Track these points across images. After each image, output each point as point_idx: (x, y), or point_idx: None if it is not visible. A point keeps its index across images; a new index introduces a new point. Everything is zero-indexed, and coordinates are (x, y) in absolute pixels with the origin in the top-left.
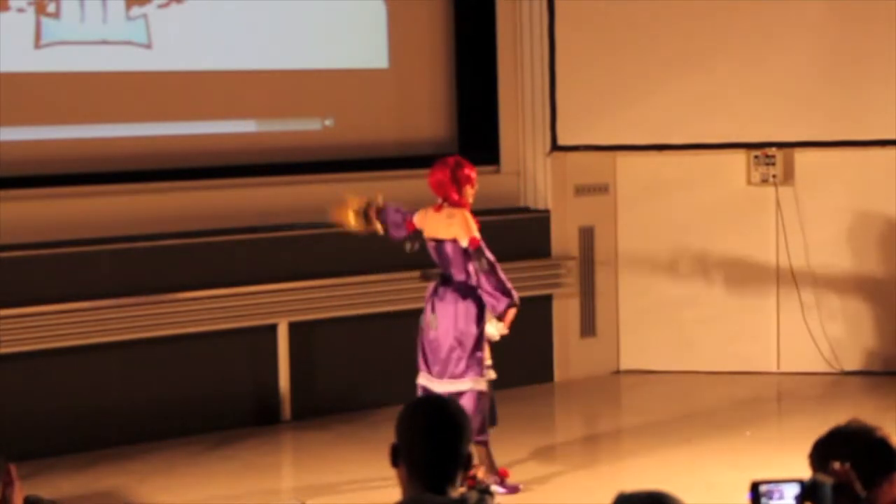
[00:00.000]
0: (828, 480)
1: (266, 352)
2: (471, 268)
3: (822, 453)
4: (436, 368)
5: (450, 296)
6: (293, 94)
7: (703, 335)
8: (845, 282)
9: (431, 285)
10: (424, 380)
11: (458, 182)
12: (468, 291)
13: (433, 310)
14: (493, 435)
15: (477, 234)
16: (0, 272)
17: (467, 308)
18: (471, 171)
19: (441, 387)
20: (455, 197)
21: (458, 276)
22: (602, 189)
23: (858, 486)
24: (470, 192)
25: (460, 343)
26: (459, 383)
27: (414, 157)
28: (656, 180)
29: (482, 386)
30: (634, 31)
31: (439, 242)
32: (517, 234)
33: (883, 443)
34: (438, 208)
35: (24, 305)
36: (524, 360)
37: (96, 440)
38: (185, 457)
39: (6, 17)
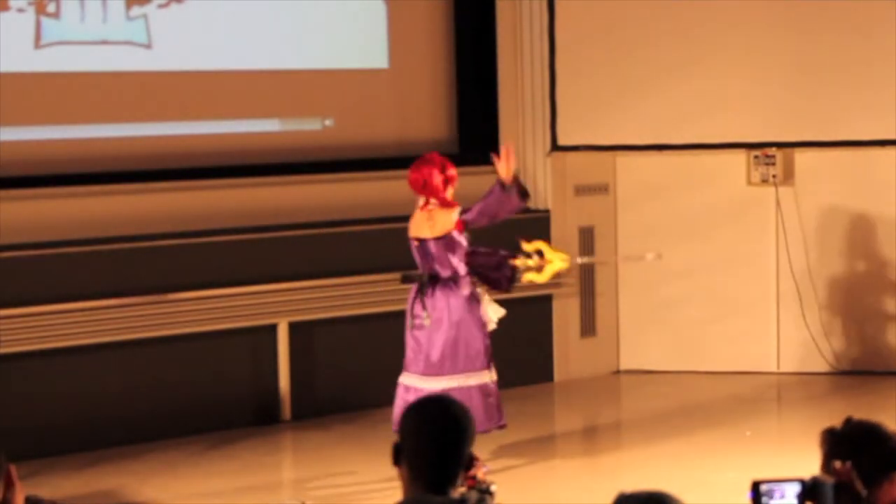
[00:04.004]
0: (828, 480)
1: (266, 352)
2: (455, 260)
3: (827, 448)
4: (422, 365)
5: (439, 293)
6: (293, 94)
7: (703, 335)
8: (845, 282)
9: (414, 288)
10: (407, 378)
11: (448, 182)
12: (457, 286)
13: (423, 307)
14: (492, 435)
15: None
16: (0, 272)
17: (459, 302)
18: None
19: (430, 384)
20: (441, 196)
21: (445, 273)
22: (602, 189)
23: (859, 486)
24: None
25: (458, 338)
26: (458, 378)
27: (414, 157)
28: (656, 180)
29: (487, 378)
30: (634, 31)
31: (422, 242)
32: (517, 234)
33: (883, 442)
34: (423, 207)
35: (24, 305)
36: (524, 360)
37: (96, 440)
38: (185, 457)
39: (6, 17)
